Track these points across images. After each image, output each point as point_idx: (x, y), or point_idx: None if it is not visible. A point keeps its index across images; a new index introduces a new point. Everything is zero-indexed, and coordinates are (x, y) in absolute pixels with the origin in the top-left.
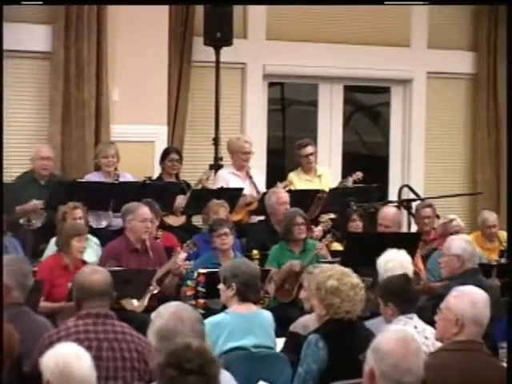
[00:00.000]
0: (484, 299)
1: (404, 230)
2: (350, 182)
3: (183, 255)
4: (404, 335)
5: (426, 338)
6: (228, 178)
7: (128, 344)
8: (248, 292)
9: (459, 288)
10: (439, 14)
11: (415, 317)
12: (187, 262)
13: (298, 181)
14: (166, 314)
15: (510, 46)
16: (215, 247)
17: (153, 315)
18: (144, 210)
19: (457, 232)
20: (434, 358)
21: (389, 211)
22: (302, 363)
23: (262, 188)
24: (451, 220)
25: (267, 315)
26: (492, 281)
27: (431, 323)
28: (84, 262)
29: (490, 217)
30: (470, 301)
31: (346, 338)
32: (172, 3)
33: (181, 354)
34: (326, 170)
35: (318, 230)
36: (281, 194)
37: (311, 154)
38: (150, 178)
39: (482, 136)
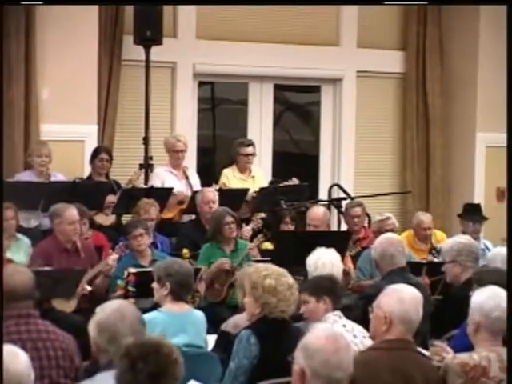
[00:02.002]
0: (413, 297)
1: (334, 228)
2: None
3: (115, 256)
4: (333, 332)
5: (355, 336)
6: (164, 175)
7: (52, 342)
8: (182, 291)
9: (391, 286)
10: (368, 13)
11: (342, 316)
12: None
13: (233, 178)
14: (109, 308)
15: (510, 45)
16: (132, 248)
17: (98, 308)
18: (71, 213)
19: (391, 230)
20: (362, 356)
21: (317, 211)
22: (234, 358)
23: (198, 188)
24: (387, 218)
25: (200, 315)
26: (421, 279)
27: (361, 322)
28: (10, 261)
29: (426, 219)
30: (398, 299)
31: (279, 337)
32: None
33: (143, 352)
34: (260, 172)
35: (246, 230)
36: (206, 192)
37: (251, 155)
38: (80, 179)
39: (412, 135)
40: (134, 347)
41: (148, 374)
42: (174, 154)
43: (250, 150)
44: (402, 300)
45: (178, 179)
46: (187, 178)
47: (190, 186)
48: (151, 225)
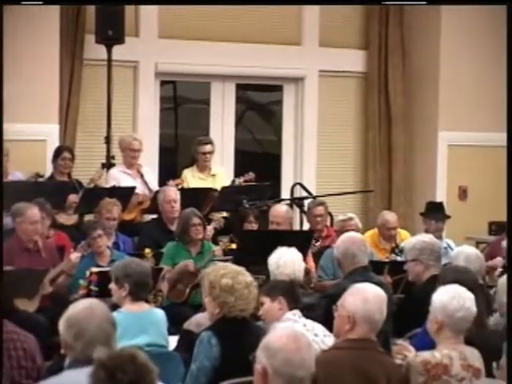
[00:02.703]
0: (377, 297)
1: (296, 227)
2: (241, 180)
3: (77, 254)
4: (294, 331)
5: (316, 335)
6: (119, 176)
7: (14, 343)
8: (140, 291)
9: (355, 286)
10: (330, 12)
11: (302, 316)
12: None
13: (192, 179)
14: (81, 305)
15: (510, 45)
16: (91, 249)
17: (71, 306)
18: (33, 212)
19: (354, 231)
20: (325, 355)
21: (280, 209)
22: (195, 360)
23: (154, 186)
24: (350, 218)
25: (160, 314)
26: (383, 278)
27: (323, 322)
28: None
29: (391, 218)
30: (362, 298)
31: (239, 336)
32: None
33: (120, 363)
34: (220, 170)
35: (209, 229)
36: (168, 191)
37: (209, 153)
38: (38, 174)
39: (374, 134)
40: (109, 359)
41: (128, 383)
42: (130, 153)
43: (208, 148)
44: (366, 300)
45: (133, 178)
46: (142, 176)
47: (146, 184)
48: (113, 224)
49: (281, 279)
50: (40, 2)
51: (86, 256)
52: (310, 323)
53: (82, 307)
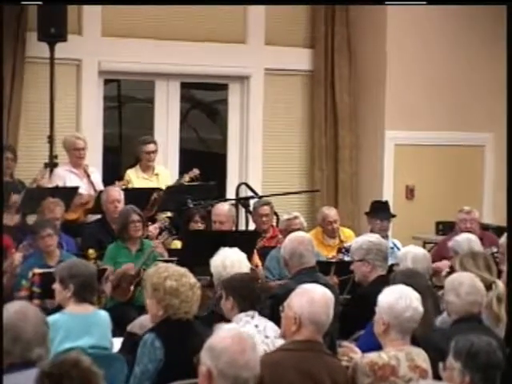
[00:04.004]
0: (324, 298)
1: (242, 228)
2: (186, 179)
3: (19, 255)
4: (238, 332)
5: (267, 336)
6: (65, 175)
7: None
8: (86, 292)
9: (302, 286)
10: (276, 10)
11: (256, 315)
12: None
13: (136, 179)
14: (12, 309)
15: (510, 45)
16: (40, 249)
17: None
18: None
19: (298, 230)
20: (270, 356)
21: (222, 207)
22: (139, 363)
23: (100, 187)
24: (295, 217)
25: (104, 315)
26: (330, 278)
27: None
28: None
29: (330, 212)
30: (308, 299)
31: (183, 338)
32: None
33: (64, 370)
34: (163, 170)
35: (153, 228)
36: (111, 191)
37: (153, 152)
38: None
39: (320, 134)
40: (53, 367)
41: None
42: (75, 153)
43: (150, 147)
44: (313, 301)
45: (80, 178)
46: (88, 176)
47: (92, 184)
48: (56, 224)
49: (240, 277)
50: (40, 2)
51: (32, 255)
52: (262, 324)
53: (14, 310)
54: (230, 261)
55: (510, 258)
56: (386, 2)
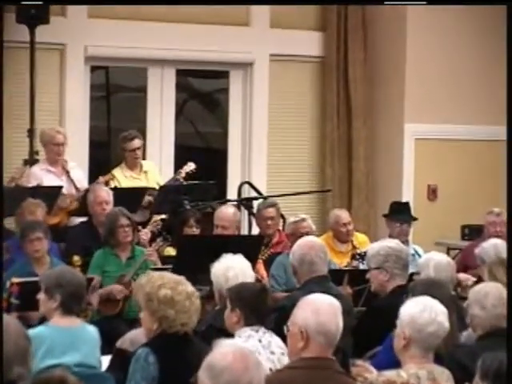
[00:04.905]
0: (330, 306)
1: (245, 232)
2: (182, 175)
3: None
4: (240, 348)
5: (272, 352)
6: (41, 175)
7: None
8: (73, 304)
9: (304, 298)
10: None
11: (262, 329)
12: None
13: (123, 178)
14: None
15: (510, 45)
16: (28, 254)
17: None
18: None
19: (307, 233)
20: (276, 375)
21: (226, 211)
22: (130, 380)
23: (83, 184)
24: (302, 219)
25: (92, 330)
26: (343, 288)
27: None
28: None
29: (342, 214)
30: (313, 309)
31: (180, 354)
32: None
33: None
34: (151, 165)
35: (144, 232)
36: (99, 191)
37: (138, 149)
38: None
39: (332, 127)
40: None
41: None
42: (53, 148)
43: (135, 143)
44: (318, 310)
45: (58, 176)
46: (68, 173)
47: (73, 182)
48: (46, 227)
49: (250, 287)
50: (40, 2)
51: (17, 261)
52: (266, 338)
53: None
54: (233, 273)
55: (510, 257)
56: (386, 2)
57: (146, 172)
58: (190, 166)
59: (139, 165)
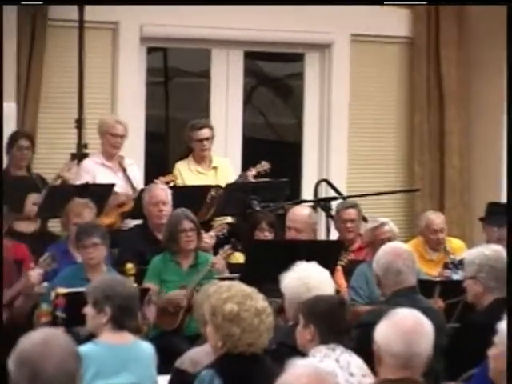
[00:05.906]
0: (418, 323)
1: (322, 236)
2: (251, 176)
3: (38, 271)
4: (316, 368)
5: (352, 374)
6: (94, 169)
7: None
8: (125, 318)
9: (391, 311)
10: None
11: (339, 348)
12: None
13: (189, 173)
14: (35, 337)
15: (510, 46)
16: (82, 260)
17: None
18: None
19: (389, 239)
20: None
21: (300, 212)
22: None
23: (140, 183)
24: (382, 224)
25: (148, 348)
26: (434, 302)
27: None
28: None
29: (436, 219)
30: (389, 324)
31: (248, 376)
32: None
33: None
34: (224, 162)
35: (208, 237)
36: (156, 191)
37: (207, 139)
38: None
39: (421, 118)
40: None
41: None
42: (111, 140)
43: (204, 133)
44: (393, 327)
45: (113, 172)
46: (124, 170)
47: (129, 180)
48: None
49: (326, 299)
50: (40, 2)
51: (70, 268)
52: (344, 359)
53: (36, 340)
54: (310, 283)
55: (510, 258)
56: (386, 2)
57: (215, 168)
58: (264, 166)
59: (208, 159)
